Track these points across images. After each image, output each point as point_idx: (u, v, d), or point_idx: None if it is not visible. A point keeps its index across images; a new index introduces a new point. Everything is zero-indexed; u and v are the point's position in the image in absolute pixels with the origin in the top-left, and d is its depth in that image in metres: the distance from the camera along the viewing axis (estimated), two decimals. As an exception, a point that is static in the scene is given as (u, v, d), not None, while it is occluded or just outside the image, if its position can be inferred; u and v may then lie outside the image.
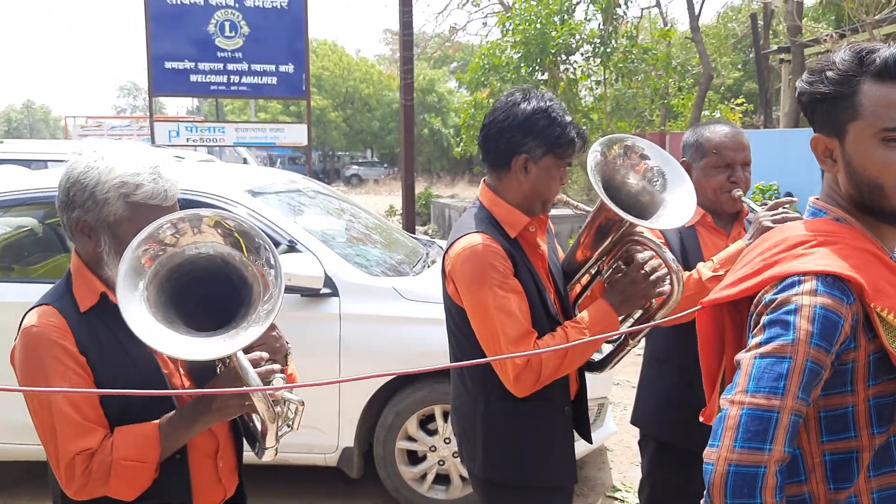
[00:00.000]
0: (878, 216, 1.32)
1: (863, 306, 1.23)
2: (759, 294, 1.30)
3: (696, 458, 1.38)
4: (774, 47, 17.36)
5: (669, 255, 1.99)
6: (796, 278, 1.25)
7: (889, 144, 1.26)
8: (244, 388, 1.46)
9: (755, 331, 1.27)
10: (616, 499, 3.98)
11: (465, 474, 3.66)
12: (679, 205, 1.99)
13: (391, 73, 39.69)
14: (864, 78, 1.28)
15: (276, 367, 1.58)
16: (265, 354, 1.59)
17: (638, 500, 2.72)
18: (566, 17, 14.44)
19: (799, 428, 1.21)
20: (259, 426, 1.62)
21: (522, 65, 14.59)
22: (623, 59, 14.57)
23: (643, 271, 1.98)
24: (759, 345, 1.23)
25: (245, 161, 15.70)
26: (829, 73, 1.30)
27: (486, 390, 2.02)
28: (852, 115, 1.29)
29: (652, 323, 2.13)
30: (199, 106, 39.59)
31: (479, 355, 1.97)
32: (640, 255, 2.01)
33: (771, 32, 19.92)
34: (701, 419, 1.53)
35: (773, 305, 1.25)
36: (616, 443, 4.63)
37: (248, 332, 1.41)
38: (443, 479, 3.85)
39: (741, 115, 16.69)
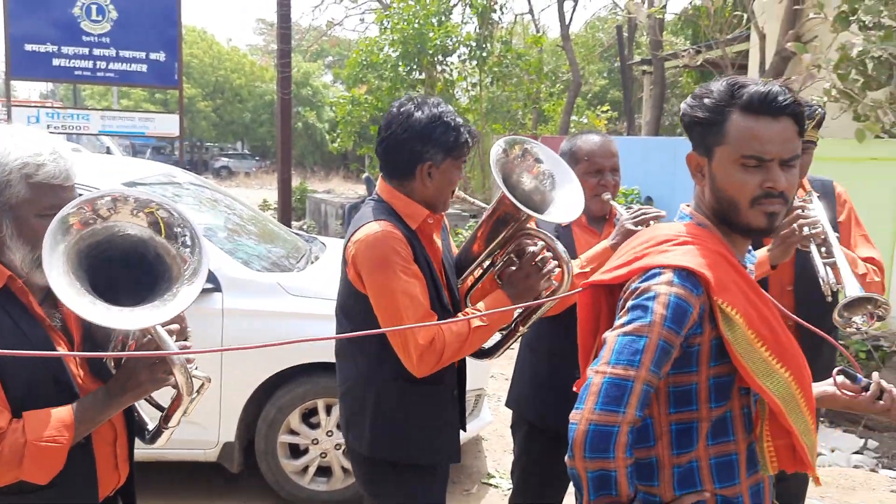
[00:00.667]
0: (731, 227, 1.54)
1: (709, 299, 1.44)
2: (628, 282, 1.50)
3: (563, 438, 1.54)
4: (638, 59, 18.36)
5: (561, 248, 2.19)
6: (658, 270, 1.45)
7: (746, 168, 1.47)
8: (166, 352, 1.52)
9: (621, 313, 1.47)
10: (491, 485, 4.19)
11: (348, 466, 3.78)
12: (567, 202, 2.18)
13: (265, 64, 38.82)
14: (733, 109, 1.47)
15: (188, 343, 1.65)
16: (175, 327, 1.64)
17: (511, 484, 2.90)
18: (444, 18, 14.72)
19: (651, 397, 1.42)
20: (169, 403, 1.66)
21: (400, 63, 14.75)
22: (498, 63, 15.02)
23: (535, 264, 2.15)
24: (623, 325, 1.44)
25: (108, 150, 14.99)
26: (706, 101, 1.50)
27: (381, 372, 2.13)
28: (720, 140, 1.49)
29: (541, 310, 2.30)
30: (54, 90, 37.24)
31: (378, 340, 2.07)
32: (531, 248, 2.19)
33: (635, 44, 21.02)
34: (574, 389, 1.71)
35: (636, 292, 1.46)
36: (491, 432, 4.84)
37: (171, 305, 1.47)
38: (325, 471, 3.93)
39: (606, 122, 17.53)
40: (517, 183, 2.21)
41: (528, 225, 2.20)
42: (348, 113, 15.31)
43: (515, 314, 2.30)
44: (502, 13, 15.52)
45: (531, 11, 21.58)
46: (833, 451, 5.46)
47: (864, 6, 7.84)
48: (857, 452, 5.36)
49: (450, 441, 2.22)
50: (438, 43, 14.33)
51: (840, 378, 1.67)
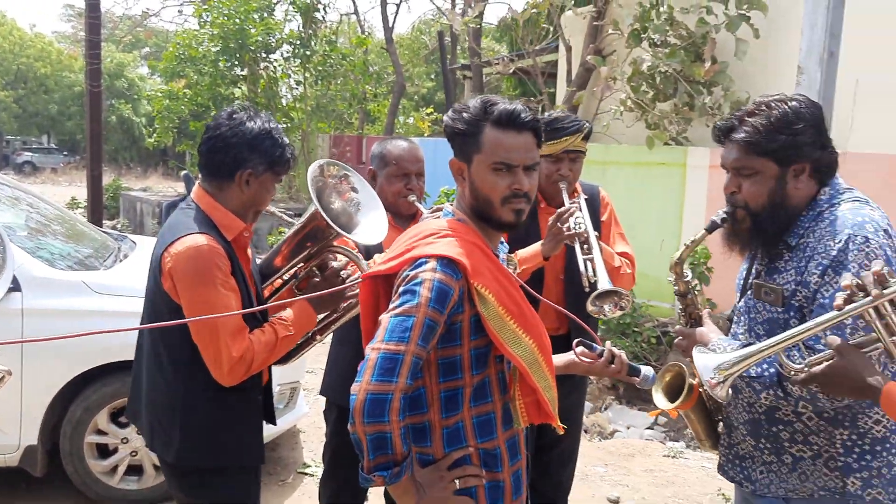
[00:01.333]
0: (487, 222, 1.81)
1: (467, 282, 1.68)
2: (401, 270, 1.72)
3: None
4: (460, 63, 19.01)
5: (364, 264, 2.37)
6: (424, 259, 1.69)
7: (497, 173, 1.75)
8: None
9: (394, 297, 1.69)
10: (306, 473, 4.32)
11: (158, 463, 3.76)
12: (372, 226, 2.38)
13: (73, 53, 36.27)
14: (486, 123, 1.75)
15: None
16: None
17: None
18: (265, 15, 14.55)
19: (420, 368, 1.64)
20: None
21: (221, 59, 14.41)
22: (322, 62, 15.05)
23: (339, 277, 2.33)
24: (395, 307, 1.66)
25: None
26: (465, 115, 1.77)
27: (189, 380, 2.18)
28: (477, 149, 1.76)
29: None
30: None
31: (189, 351, 2.12)
32: (334, 263, 2.36)
33: (460, 49, 21.75)
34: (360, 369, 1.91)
35: (407, 279, 1.68)
36: (308, 424, 4.97)
37: None
38: (135, 469, 3.89)
39: (431, 124, 18.01)
40: (328, 203, 2.37)
41: (334, 242, 2.37)
42: (165, 108, 14.74)
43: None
44: (326, 12, 15.57)
45: (356, 12, 21.63)
46: (629, 427, 6.07)
47: (653, 26, 8.68)
48: (649, 428, 6.00)
49: (255, 443, 2.33)
50: (260, 39, 14.15)
51: (579, 348, 2.00)
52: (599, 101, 9.55)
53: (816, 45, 3.29)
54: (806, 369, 1.61)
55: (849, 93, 7.24)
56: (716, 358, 1.67)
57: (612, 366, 1.98)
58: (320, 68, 15.08)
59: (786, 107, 1.89)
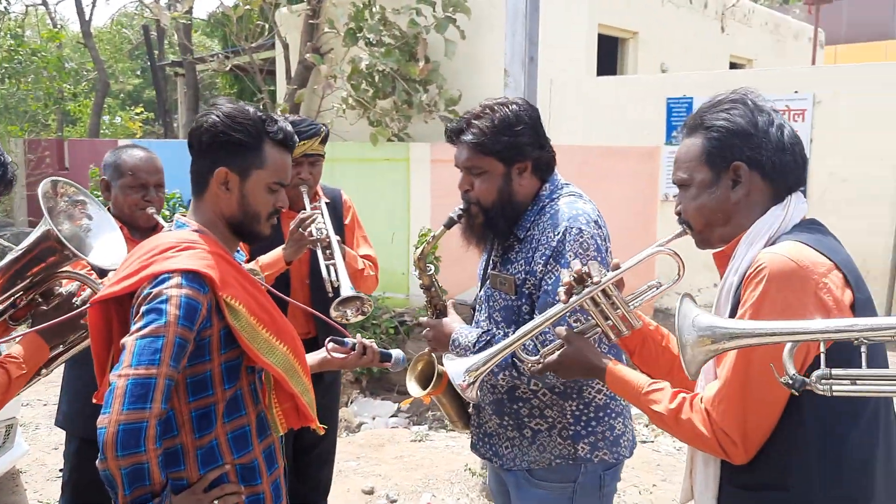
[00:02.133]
0: (242, 233, 1.79)
1: (215, 295, 1.64)
2: (139, 289, 1.61)
3: None
4: (170, 59, 18.03)
5: (97, 285, 2.14)
6: (167, 275, 1.60)
7: (271, 191, 1.77)
8: None
9: (136, 318, 1.58)
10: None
11: None
12: (109, 249, 2.17)
13: None
14: (267, 139, 1.75)
15: None
16: None
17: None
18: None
19: (171, 391, 1.55)
20: None
21: None
22: (9, 58, 13.44)
23: (75, 303, 2.09)
24: (140, 329, 1.55)
25: None
26: (246, 125, 1.71)
27: None
28: (259, 165, 1.74)
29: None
30: None
31: None
32: (63, 289, 2.11)
33: (168, 44, 20.57)
34: (94, 401, 1.75)
35: (149, 297, 1.58)
36: (30, 463, 4.47)
37: None
38: None
39: (141, 124, 16.89)
40: (57, 225, 2.14)
41: (65, 266, 2.14)
42: None
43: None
44: (9, 3, 13.91)
45: (45, 3, 19.56)
46: (374, 418, 6.23)
47: (368, 25, 8.93)
48: (393, 416, 6.20)
49: None
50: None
51: (331, 345, 2.04)
52: (321, 100, 9.62)
53: (518, 51, 3.62)
54: (542, 360, 1.79)
55: (545, 91, 8.05)
56: (464, 362, 1.78)
57: (365, 356, 2.05)
58: (6, 65, 13.45)
59: (507, 110, 2.06)
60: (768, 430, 1.46)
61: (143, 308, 1.57)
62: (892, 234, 7.23)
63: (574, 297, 1.69)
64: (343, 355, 2.04)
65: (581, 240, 1.98)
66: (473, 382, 1.75)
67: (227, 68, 11.86)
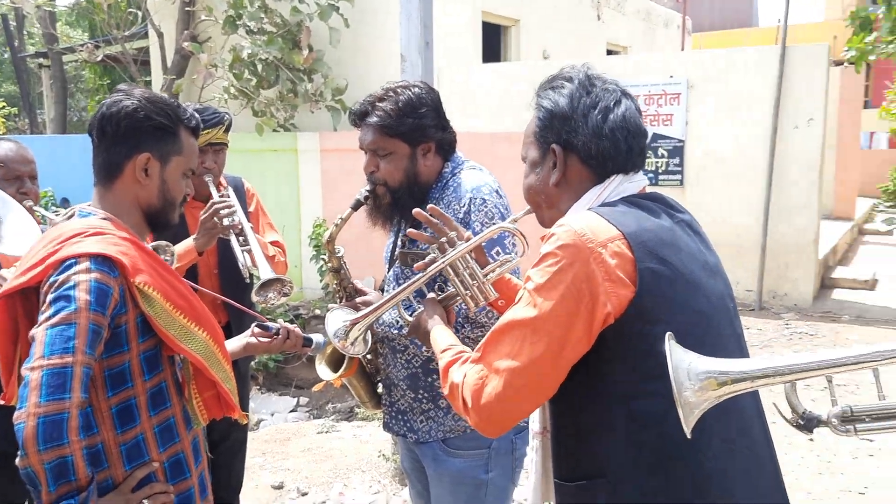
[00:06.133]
0: (157, 222, 1.75)
1: (127, 281, 1.57)
2: (45, 279, 1.52)
3: (11, 457, 1.47)
4: (32, 51, 16.93)
5: None
6: (73, 260, 1.51)
7: (185, 177, 1.76)
8: None
9: (44, 308, 1.49)
10: None
11: None
12: (19, 234, 2.09)
13: None
14: (182, 126, 1.72)
15: None
16: None
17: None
18: None
19: (90, 381, 1.48)
20: None
21: None
22: None
23: None
24: (49, 318, 1.46)
25: None
26: (166, 110, 1.68)
27: None
28: (178, 151, 1.72)
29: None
30: None
31: None
32: None
33: (28, 34, 19.30)
34: (2, 402, 1.66)
35: (56, 284, 1.49)
36: None
37: None
38: None
39: (4, 119, 15.79)
40: None
41: None
42: None
43: None
44: None
45: None
46: (273, 414, 6.11)
47: (248, 13, 8.69)
48: (292, 411, 6.11)
49: None
50: None
51: (257, 330, 2.02)
52: (201, 89, 9.30)
53: (415, 35, 3.61)
54: (412, 320, 1.85)
55: (433, 79, 8.09)
56: (339, 319, 1.85)
57: (289, 340, 2.04)
58: None
59: (410, 92, 2.10)
60: (518, 419, 1.43)
61: (50, 296, 1.49)
62: (762, 211, 7.71)
63: (433, 266, 1.75)
64: (268, 339, 2.02)
65: (486, 209, 2.05)
66: (353, 341, 1.82)
67: (99, 58, 11.27)
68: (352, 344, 1.82)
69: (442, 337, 1.69)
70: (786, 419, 1.10)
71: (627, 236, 1.37)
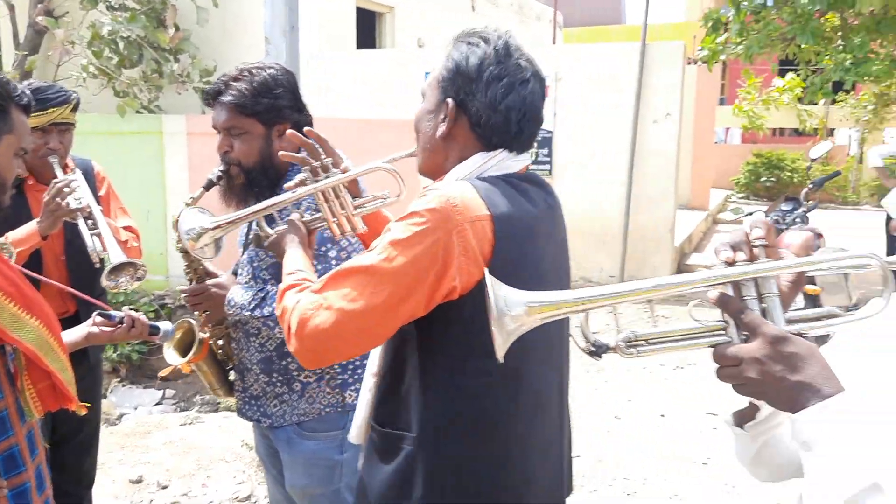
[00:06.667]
0: None
1: None
2: None
3: None
4: None
5: None
6: None
7: (17, 157, 1.63)
8: None
9: None
10: None
11: None
12: None
13: None
14: (12, 103, 1.59)
15: None
16: None
17: None
18: None
19: None
20: None
21: None
22: None
23: None
24: None
25: None
26: None
27: None
28: (8, 129, 1.59)
29: None
30: None
31: None
32: None
33: None
34: None
35: None
36: None
37: None
38: None
39: None
40: None
41: None
42: None
43: None
44: None
45: None
46: (136, 408, 5.86)
47: (108, -13, 8.25)
48: (158, 403, 5.88)
49: None
50: None
51: (98, 318, 1.94)
52: (57, 67, 8.76)
53: (279, 17, 3.54)
54: (274, 236, 1.85)
55: (307, 64, 7.96)
56: (194, 220, 1.86)
57: (134, 329, 1.98)
58: None
59: (265, 73, 2.09)
60: (336, 359, 1.51)
61: None
62: (624, 201, 8.07)
63: (301, 189, 1.77)
64: (111, 328, 1.95)
65: None
66: (203, 244, 1.84)
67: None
68: (201, 248, 1.82)
69: (294, 259, 1.70)
70: (580, 347, 1.18)
71: (495, 219, 1.41)
